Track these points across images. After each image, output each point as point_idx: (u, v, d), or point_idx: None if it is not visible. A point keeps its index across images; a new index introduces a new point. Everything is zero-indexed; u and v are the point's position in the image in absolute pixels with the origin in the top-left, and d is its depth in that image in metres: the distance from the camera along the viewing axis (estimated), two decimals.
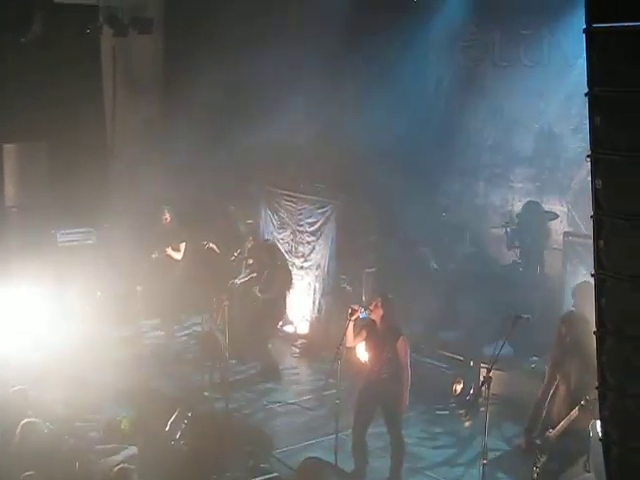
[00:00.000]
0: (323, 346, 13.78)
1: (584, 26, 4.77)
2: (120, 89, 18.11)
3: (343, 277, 15.32)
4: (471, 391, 12.79)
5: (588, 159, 5.05)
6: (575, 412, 8.48)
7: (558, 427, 8.57)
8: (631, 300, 4.94)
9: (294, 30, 16.18)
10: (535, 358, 12.57)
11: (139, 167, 17.24)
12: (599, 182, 4.98)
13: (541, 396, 8.99)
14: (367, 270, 15.10)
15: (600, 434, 8.54)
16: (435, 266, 14.96)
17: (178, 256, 15.50)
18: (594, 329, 8.03)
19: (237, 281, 14.52)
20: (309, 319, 15.72)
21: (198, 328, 15.06)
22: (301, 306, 15.75)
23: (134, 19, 16.93)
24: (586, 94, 4.98)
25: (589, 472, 8.77)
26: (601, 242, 5.03)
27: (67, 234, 15.98)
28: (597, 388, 5.32)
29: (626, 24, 4.64)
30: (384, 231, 15.29)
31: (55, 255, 15.25)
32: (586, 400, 8.34)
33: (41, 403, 11.13)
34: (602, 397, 5.32)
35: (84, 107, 16.49)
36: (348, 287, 15.16)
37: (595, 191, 5.01)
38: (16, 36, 15.42)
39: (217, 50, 15.95)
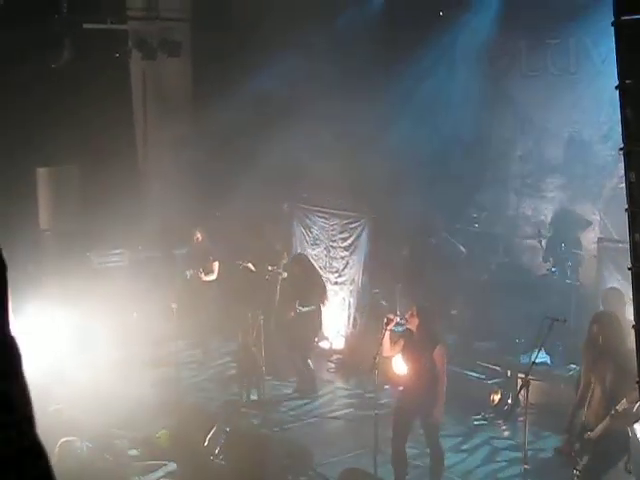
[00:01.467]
0: (359, 360, 13.76)
1: (613, 19, 4.80)
2: (150, 111, 18.27)
3: (377, 291, 15.33)
4: (509, 400, 12.74)
5: (621, 152, 5.06)
6: (608, 420, 8.43)
7: (596, 430, 8.52)
8: None
9: (324, 48, 16.25)
10: (573, 366, 12.48)
11: (171, 188, 17.34)
12: (632, 175, 4.98)
13: (579, 400, 8.94)
14: (400, 284, 15.10)
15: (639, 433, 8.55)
16: (463, 250, 14.94)
17: (212, 277, 15.58)
18: (625, 329, 8.04)
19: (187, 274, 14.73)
20: (344, 334, 15.72)
21: (234, 345, 15.09)
22: (336, 321, 15.76)
23: (163, 42, 17.11)
24: (616, 87, 4.99)
25: (630, 472, 8.72)
26: (637, 236, 5.03)
27: (101, 256, 16.10)
28: (637, 382, 5.31)
29: None
30: (417, 244, 15.28)
31: (90, 277, 15.34)
32: (616, 410, 8.30)
33: (79, 422, 11.20)
34: None
35: (115, 130, 16.66)
36: (383, 302, 15.16)
37: (629, 185, 5.02)
38: (47, 62, 15.59)
39: (245, 70, 16.07)
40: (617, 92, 4.98)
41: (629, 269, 5.14)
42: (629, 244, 5.07)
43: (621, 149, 5.02)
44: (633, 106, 4.92)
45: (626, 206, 5.07)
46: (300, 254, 15.34)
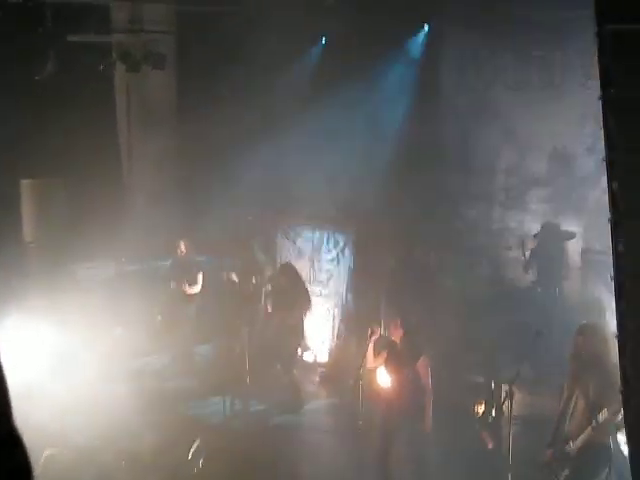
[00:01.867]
0: (343, 373, 13.75)
1: (595, 28, 4.82)
2: (135, 124, 18.24)
3: (361, 303, 15.32)
4: (493, 412, 12.74)
5: (604, 162, 5.08)
6: (589, 431, 8.45)
7: (578, 441, 8.53)
8: None
9: (304, 62, 16.30)
10: (556, 379, 12.49)
11: (155, 200, 17.32)
12: (615, 185, 5.00)
13: (562, 411, 8.96)
14: (385, 296, 15.09)
15: (621, 445, 8.56)
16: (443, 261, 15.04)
17: (196, 289, 15.56)
18: (608, 340, 8.06)
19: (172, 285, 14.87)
20: (328, 346, 15.70)
21: (218, 357, 15.07)
22: (320, 333, 15.74)
23: (147, 55, 17.07)
24: (599, 97, 5.01)
25: None
26: (619, 245, 5.05)
27: (86, 269, 16.04)
28: (620, 392, 5.31)
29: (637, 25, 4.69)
30: (401, 257, 15.28)
31: (74, 290, 15.28)
32: (597, 422, 8.31)
33: (63, 434, 11.16)
34: (626, 400, 5.31)
35: (100, 142, 16.61)
36: (367, 314, 15.14)
37: (611, 194, 5.03)
38: (31, 74, 15.54)
39: (229, 84, 16.07)
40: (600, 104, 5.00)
41: (612, 278, 5.15)
42: (612, 254, 5.08)
43: (604, 159, 5.04)
44: (615, 115, 4.94)
45: (609, 217, 5.10)
46: (287, 263, 15.30)
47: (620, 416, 7.79)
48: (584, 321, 10.41)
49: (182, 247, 15.64)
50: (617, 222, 5.00)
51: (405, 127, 15.28)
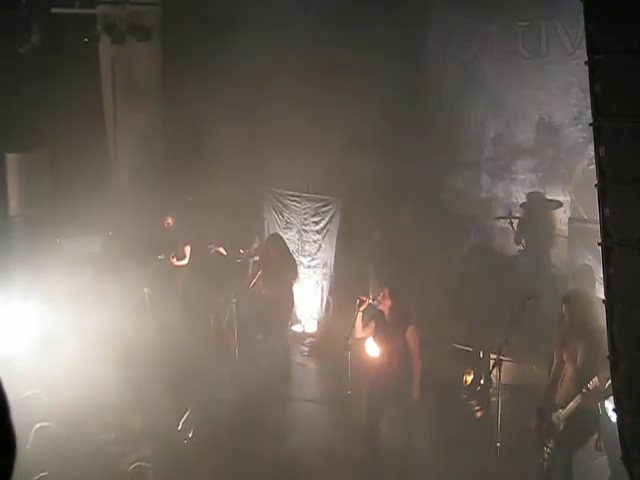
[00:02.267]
0: (332, 343, 13.78)
1: None
2: (120, 96, 18.16)
3: (349, 274, 15.33)
4: (481, 381, 12.81)
5: (590, 126, 5.08)
6: (578, 399, 8.47)
7: (567, 408, 8.56)
8: (638, 266, 4.95)
9: (294, 33, 16.20)
10: (545, 347, 12.53)
11: (141, 172, 17.27)
12: (602, 150, 5.01)
13: (551, 379, 8.99)
14: (372, 266, 15.11)
15: (609, 412, 8.60)
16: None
17: (184, 261, 15.57)
18: (595, 307, 8.09)
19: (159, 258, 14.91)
20: (317, 318, 15.74)
21: (206, 329, 15.07)
22: (309, 305, 15.77)
23: (132, 27, 16.96)
24: (586, 62, 5.00)
25: (600, 450, 8.79)
26: (606, 210, 5.06)
27: (72, 242, 16.00)
28: (608, 357, 5.34)
29: None
30: (389, 227, 15.30)
31: (61, 264, 15.24)
32: (587, 389, 8.34)
33: (53, 408, 11.17)
34: (613, 366, 5.34)
35: (85, 115, 16.53)
36: (355, 285, 15.16)
37: (598, 159, 5.04)
38: (15, 46, 15.44)
39: (215, 56, 15.98)
40: (587, 73, 4.99)
41: (599, 244, 5.16)
42: (599, 219, 5.09)
43: (591, 124, 5.03)
44: (602, 81, 4.94)
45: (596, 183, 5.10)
46: (275, 234, 15.28)
47: (608, 383, 7.82)
48: (571, 289, 10.47)
49: (169, 220, 15.62)
50: (604, 187, 5.02)
51: (392, 97, 15.21)
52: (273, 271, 13.93)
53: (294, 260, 14.66)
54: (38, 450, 9.34)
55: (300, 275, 14.70)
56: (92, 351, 13.60)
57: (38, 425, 9.69)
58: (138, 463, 9.04)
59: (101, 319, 14.82)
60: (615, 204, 5.01)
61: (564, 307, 8.82)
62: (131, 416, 11.54)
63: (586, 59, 4.96)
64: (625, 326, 5.18)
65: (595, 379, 8.25)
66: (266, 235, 16.16)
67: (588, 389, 8.34)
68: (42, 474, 8.60)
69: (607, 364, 5.44)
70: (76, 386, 12.10)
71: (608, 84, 4.91)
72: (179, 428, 11.17)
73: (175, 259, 15.46)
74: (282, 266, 13.99)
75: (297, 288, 14.40)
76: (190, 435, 11.05)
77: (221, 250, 15.13)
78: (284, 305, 14.08)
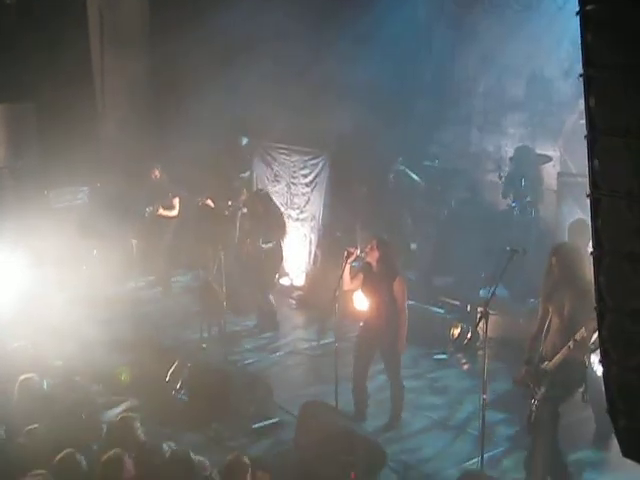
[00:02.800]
0: (320, 296, 13.77)
1: None
2: (107, 47, 18.01)
3: (337, 228, 15.32)
4: (468, 335, 12.86)
5: (580, 80, 5.03)
6: (566, 350, 8.49)
7: (554, 360, 8.59)
8: (627, 218, 4.93)
9: None
10: (532, 300, 12.57)
11: (128, 124, 17.18)
12: (592, 101, 4.96)
13: (536, 330, 9.00)
14: (360, 219, 15.10)
15: (595, 365, 8.65)
16: (420, 182, 15.00)
17: (173, 212, 15.55)
18: (585, 260, 8.09)
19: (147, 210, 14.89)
20: (305, 271, 15.75)
21: (195, 282, 15.09)
22: (297, 258, 15.77)
23: None
24: (577, 13, 4.95)
25: (586, 402, 8.83)
26: (595, 162, 5.02)
27: (59, 194, 15.94)
28: (595, 308, 5.33)
29: None
30: (377, 180, 15.27)
31: (48, 215, 15.20)
32: (575, 341, 8.36)
33: (39, 359, 11.15)
34: (600, 317, 5.33)
35: (72, 66, 16.41)
36: (343, 237, 15.14)
37: (588, 110, 5.00)
38: None
39: (203, 5, 15.84)
40: (578, 27, 4.95)
41: (587, 196, 5.13)
42: (588, 171, 5.05)
43: (581, 75, 4.98)
44: (593, 31, 4.88)
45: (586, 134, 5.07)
46: (261, 190, 15.25)
47: (595, 335, 7.83)
48: (560, 241, 10.47)
49: (156, 172, 15.55)
50: (594, 139, 4.98)
51: (381, 50, 15.12)
52: (260, 226, 13.89)
53: (282, 215, 14.63)
54: (24, 401, 9.33)
55: (288, 230, 14.66)
56: (79, 303, 13.61)
57: (23, 377, 9.66)
58: (125, 414, 9.03)
59: (88, 271, 14.82)
60: (604, 155, 4.96)
61: (553, 259, 8.80)
62: (119, 368, 11.53)
63: (577, 11, 4.91)
64: (613, 278, 5.16)
65: (582, 330, 8.26)
66: (254, 188, 16.13)
67: (575, 341, 8.35)
68: (33, 426, 8.59)
69: (594, 316, 5.43)
70: (63, 338, 12.09)
71: (599, 34, 4.86)
72: (167, 379, 11.18)
73: (163, 210, 15.41)
74: (269, 221, 13.94)
75: (285, 242, 14.37)
76: (178, 386, 11.08)
77: (209, 202, 15.09)
78: (271, 261, 14.05)
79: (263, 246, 13.86)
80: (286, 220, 14.88)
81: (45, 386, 9.90)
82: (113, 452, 7.74)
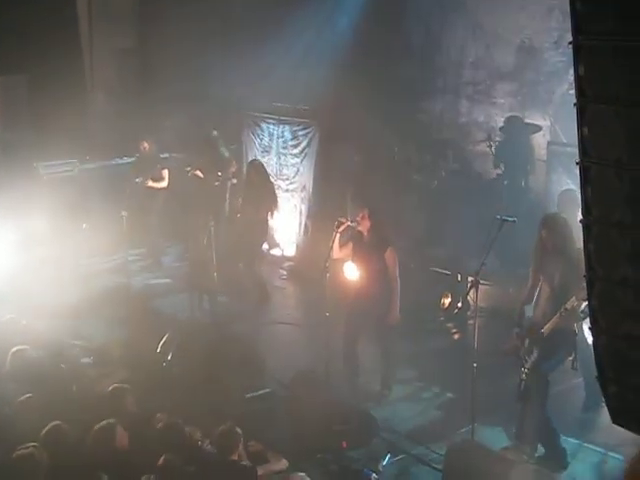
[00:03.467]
0: (310, 267, 13.78)
1: None
2: (96, 19, 17.88)
3: (328, 197, 15.33)
4: (459, 304, 12.90)
5: (570, 46, 5.03)
6: (556, 319, 8.54)
7: (544, 328, 8.63)
8: (616, 186, 4.95)
9: None
10: (522, 269, 12.58)
11: (118, 97, 17.12)
12: (582, 69, 4.97)
13: (526, 298, 9.06)
14: (351, 190, 15.09)
15: (585, 333, 8.69)
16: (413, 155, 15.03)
17: (163, 184, 15.53)
18: (574, 230, 8.12)
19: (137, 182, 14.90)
20: (296, 241, 15.76)
21: (185, 254, 15.08)
22: (288, 229, 15.79)
23: None
24: None
25: (576, 370, 8.89)
26: (585, 130, 5.04)
27: (49, 166, 15.88)
28: (584, 276, 5.36)
29: None
30: (366, 150, 15.24)
31: (38, 188, 15.15)
32: (565, 309, 8.40)
33: (32, 331, 11.17)
34: (590, 286, 5.37)
35: (61, 38, 16.27)
36: (333, 208, 15.14)
37: (578, 78, 5.00)
38: None
39: None
40: None
41: (577, 163, 5.15)
42: (577, 138, 5.07)
43: (570, 43, 4.99)
44: (583, 0, 4.88)
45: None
46: (256, 160, 15.19)
47: (585, 304, 7.86)
48: (549, 211, 10.49)
49: (145, 145, 15.51)
50: (583, 107, 4.99)
51: (370, 21, 15.08)
52: (252, 196, 13.86)
53: (273, 187, 14.60)
54: (16, 373, 9.35)
55: (278, 202, 14.66)
56: (68, 277, 13.62)
57: (15, 348, 9.67)
58: (116, 385, 9.05)
59: (78, 243, 14.80)
60: (593, 123, 4.98)
61: (543, 230, 8.84)
62: (110, 339, 11.55)
63: None
64: (602, 246, 5.20)
65: (573, 299, 8.31)
66: (244, 159, 16.10)
67: (566, 309, 8.40)
68: (27, 395, 8.61)
69: (584, 285, 5.46)
70: (55, 311, 12.11)
71: (588, 1, 4.86)
72: (158, 351, 11.19)
73: (152, 182, 15.38)
74: (261, 192, 13.91)
75: (275, 214, 14.36)
76: (169, 358, 11.09)
77: (198, 173, 15.06)
78: (259, 231, 14.02)
79: (249, 215, 13.82)
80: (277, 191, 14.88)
81: (37, 357, 9.92)
82: (106, 422, 7.77)
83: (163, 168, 15.49)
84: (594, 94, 4.92)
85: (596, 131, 4.97)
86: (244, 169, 15.19)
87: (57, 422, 7.79)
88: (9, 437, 7.81)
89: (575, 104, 5.04)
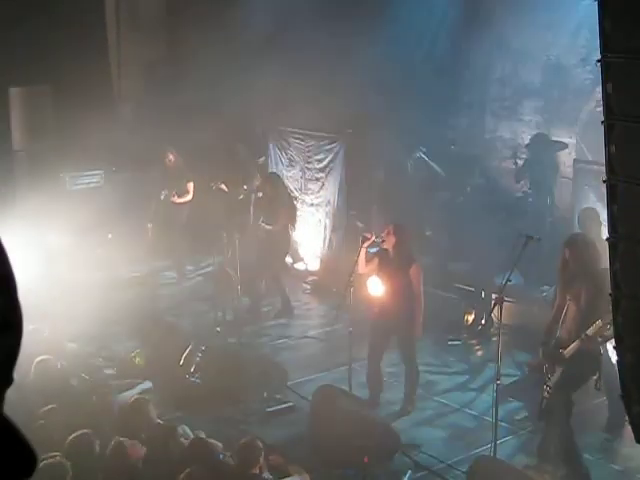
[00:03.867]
0: (334, 281, 13.78)
1: None
2: (124, 29, 17.98)
3: (353, 213, 15.35)
4: (482, 321, 12.86)
5: (599, 64, 5.02)
6: (581, 340, 8.50)
7: (569, 348, 8.60)
8: None
9: None
10: (546, 287, 12.56)
11: (145, 108, 17.19)
12: (609, 86, 4.96)
13: (553, 317, 9.00)
14: (376, 206, 15.11)
15: (610, 353, 8.63)
16: (440, 171, 14.98)
17: (187, 197, 15.56)
18: (599, 250, 8.10)
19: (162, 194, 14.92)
20: (320, 256, 15.76)
21: (209, 267, 15.10)
22: (312, 243, 15.80)
23: None
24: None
25: (600, 390, 8.84)
26: (612, 147, 5.03)
27: (75, 177, 15.97)
28: (610, 295, 5.34)
29: None
30: (392, 166, 15.25)
31: (64, 198, 15.22)
32: (586, 335, 8.37)
33: (56, 342, 11.22)
34: (615, 304, 5.34)
35: (88, 48, 16.36)
36: (359, 223, 15.17)
37: (606, 96, 5.00)
38: None
39: None
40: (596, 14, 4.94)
41: (604, 181, 5.13)
42: (605, 156, 5.05)
43: (598, 60, 4.98)
44: (612, 17, 4.88)
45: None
46: (273, 173, 15.24)
47: (610, 326, 7.83)
48: (573, 232, 10.46)
49: (170, 157, 15.56)
50: (611, 124, 4.98)
51: (396, 33, 15.08)
52: (269, 209, 13.86)
53: (291, 198, 14.62)
54: (39, 383, 9.39)
55: (300, 215, 14.66)
56: (94, 286, 13.66)
57: (39, 358, 9.72)
58: (138, 397, 9.09)
59: (103, 254, 14.86)
60: (621, 141, 4.98)
61: (567, 251, 8.80)
62: (133, 351, 11.59)
63: None
64: (628, 264, 5.18)
65: (598, 322, 8.27)
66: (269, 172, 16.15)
67: (587, 335, 8.37)
68: (50, 406, 8.66)
69: (610, 308, 5.44)
70: (78, 321, 12.14)
71: (618, 19, 4.86)
72: (181, 363, 11.22)
73: (176, 197, 15.43)
74: (278, 204, 13.91)
75: (296, 226, 14.37)
76: (192, 370, 11.12)
77: (223, 187, 15.09)
78: (278, 244, 14.03)
79: (264, 226, 13.83)
80: (298, 205, 14.88)
81: (60, 368, 9.97)
82: (114, 441, 7.78)
83: (188, 181, 15.51)
84: (622, 112, 4.91)
85: (624, 149, 4.96)
86: None
87: (84, 431, 7.81)
88: (34, 447, 7.82)
89: (603, 122, 5.03)
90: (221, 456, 8.17)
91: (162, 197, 15.38)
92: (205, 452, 7.93)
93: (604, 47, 4.95)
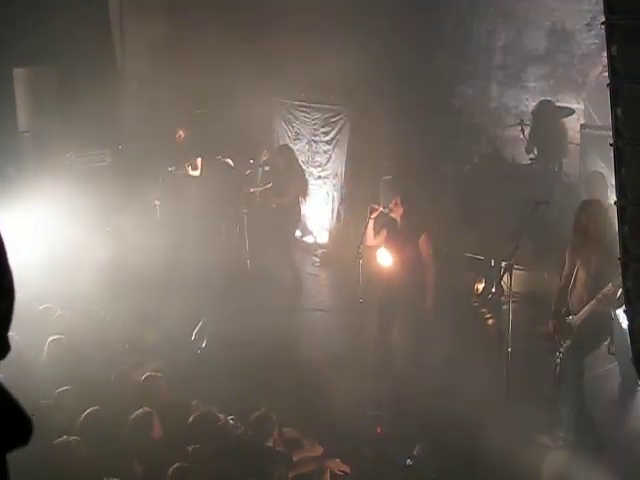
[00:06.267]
0: (343, 253, 13.79)
1: None
2: (127, 7, 17.90)
3: (360, 184, 15.32)
4: (493, 289, 12.85)
5: (603, 27, 4.98)
6: (592, 304, 8.49)
7: (580, 313, 8.59)
8: None
9: None
10: (555, 254, 12.52)
11: (150, 86, 17.13)
12: (614, 49, 4.92)
13: (563, 282, 8.99)
14: (384, 177, 15.07)
15: (620, 318, 8.63)
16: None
17: (196, 172, 15.56)
18: (610, 215, 8.07)
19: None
20: (328, 228, 15.76)
21: (218, 241, 15.08)
22: (320, 216, 15.78)
23: None
24: None
25: (613, 354, 8.84)
26: (618, 110, 4.99)
27: (82, 156, 15.95)
28: (619, 259, 5.32)
29: None
30: (399, 136, 15.19)
31: (71, 178, 15.21)
32: (603, 295, 8.35)
33: (68, 321, 11.22)
34: (624, 268, 5.32)
35: (91, 27, 16.33)
36: (367, 195, 15.14)
37: (611, 58, 4.96)
38: None
39: None
40: None
41: (611, 145, 5.10)
42: (611, 119, 5.02)
43: (603, 23, 4.95)
44: None
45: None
46: (285, 145, 15.19)
47: (620, 290, 7.82)
48: (585, 197, 10.42)
49: (180, 133, 15.57)
50: (616, 87, 4.94)
51: (402, 6, 15.02)
52: (281, 182, 13.86)
53: (302, 171, 14.60)
54: (52, 362, 9.40)
55: (310, 188, 14.64)
56: (104, 264, 13.65)
57: (51, 338, 9.72)
58: (150, 373, 9.10)
59: (112, 232, 14.85)
60: (627, 104, 4.94)
61: (583, 216, 8.75)
62: (145, 327, 11.59)
63: None
64: (637, 228, 5.15)
65: (609, 285, 8.25)
66: (276, 146, 16.10)
67: (604, 294, 8.35)
68: (63, 388, 8.67)
69: (620, 271, 5.41)
70: (90, 299, 12.14)
71: None
72: (192, 338, 11.23)
73: (190, 168, 15.44)
74: (289, 177, 13.91)
75: (306, 199, 14.36)
76: (203, 345, 11.13)
77: (228, 161, 15.07)
78: (290, 217, 14.02)
79: (274, 199, 13.82)
80: (308, 178, 14.85)
81: (72, 346, 9.97)
82: (142, 410, 7.79)
83: (197, 157, 15.51)
84: (627, 74, 4.87)
85: (630, 112, 4.92)
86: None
87: (96, 407, 7.83)
88: (46, 427, 7.84)
89: (608, 85, 5.00)
90: (235, 427, 8.18)
91: (170, 170, 15.35)
92: (215, 426, 7.94)
93: (608, 8, 4.91)
